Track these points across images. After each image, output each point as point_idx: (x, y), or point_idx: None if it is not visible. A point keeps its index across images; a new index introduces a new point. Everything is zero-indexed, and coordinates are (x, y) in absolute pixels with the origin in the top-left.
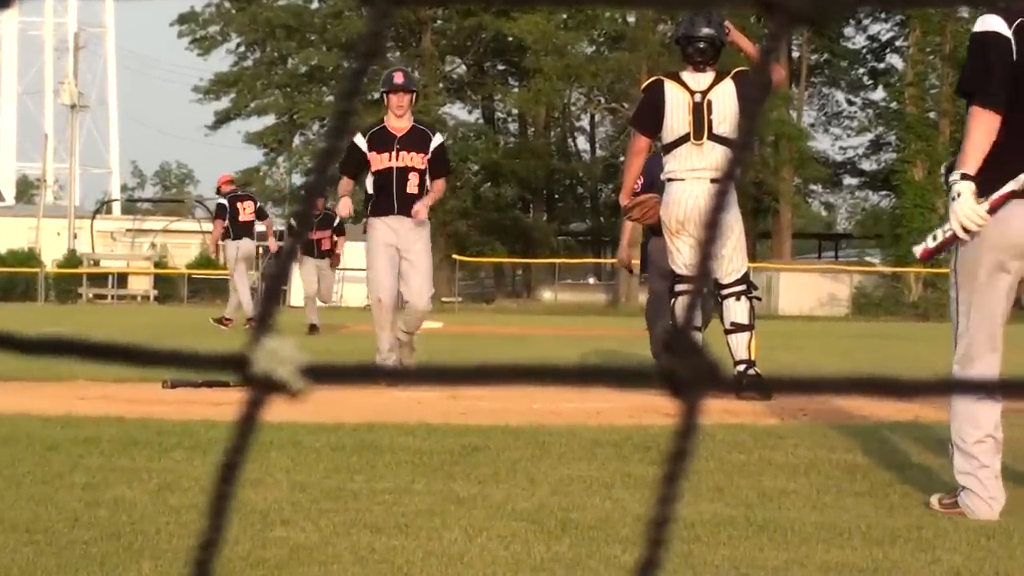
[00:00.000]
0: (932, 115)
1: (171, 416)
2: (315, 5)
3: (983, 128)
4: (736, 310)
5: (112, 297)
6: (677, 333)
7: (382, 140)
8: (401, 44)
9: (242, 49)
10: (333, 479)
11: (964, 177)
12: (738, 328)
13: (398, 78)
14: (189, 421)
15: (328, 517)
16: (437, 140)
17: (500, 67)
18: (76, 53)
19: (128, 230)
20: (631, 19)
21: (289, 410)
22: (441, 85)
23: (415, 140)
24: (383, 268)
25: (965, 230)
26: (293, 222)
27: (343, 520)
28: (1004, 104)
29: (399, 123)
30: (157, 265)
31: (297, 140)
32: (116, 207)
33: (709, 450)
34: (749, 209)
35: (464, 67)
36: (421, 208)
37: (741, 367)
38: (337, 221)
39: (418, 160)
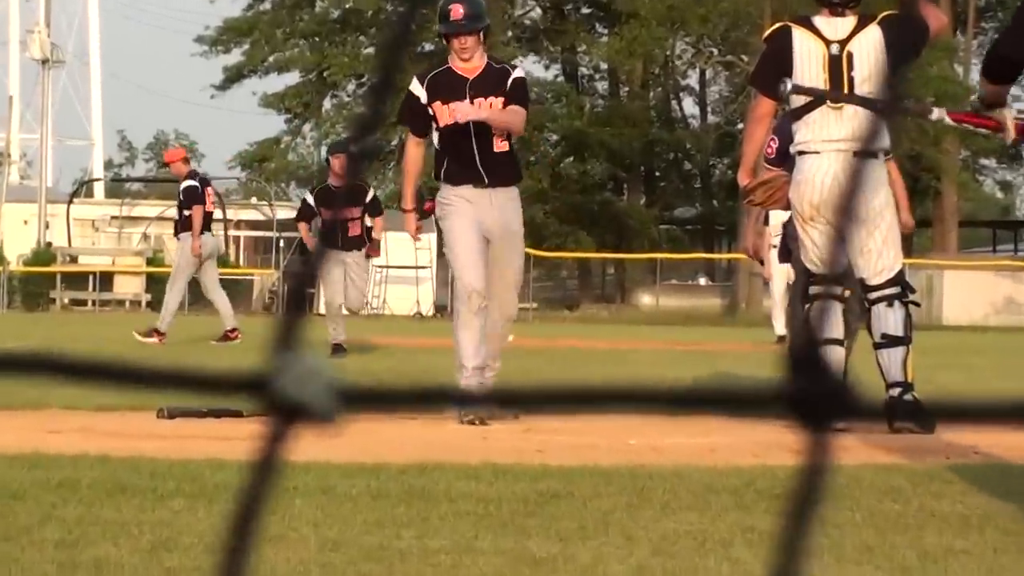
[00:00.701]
0: None
1: (168, 454)
2: None
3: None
4: (888, 319)
5: (94, 302)
6: (807, 346)
7: (449, 86)
8: None
9: None
10: (374, 535)
11: None
12: (891, 342)
13: (455, 13)
14: (191, 461)
15: None
16: (517, 73)
17: (585, 10)
18: None
19: (114, 218)
20: None
21: (319, 446)
22: (510, 33)
23: (491, 82)
24: (471, 249)
25: None
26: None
27: None
28: None
29: (468, 64)
30: (150, 262)
31: (328, 103)
32: (99, 189)
33: (854, 498)
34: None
35: (539, 10)
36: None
37: (895, 391)
38: (371, 196)
39: (497, 107)
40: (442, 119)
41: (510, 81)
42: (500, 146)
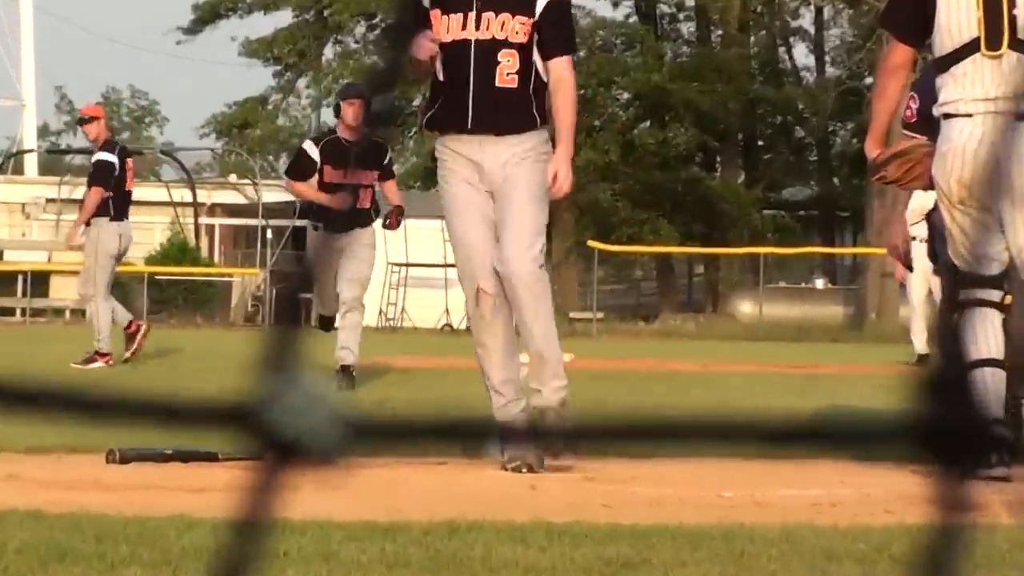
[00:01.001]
0: None
1: (120, 510)
2: None
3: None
4: None
5: (24, 311)
6: (954, 369)
7: None
8: None
9: None
10: None
11: None
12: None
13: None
14: (149, 519)
15: None
16: None
17: None
18: None
19: (50, 201)
20: None
21: (318, 499)
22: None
23: None
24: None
25: None
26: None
27: None
28: None
29: None
30: None
31: (329, 51)
32: (31, 163)
33: (1017, 565)
34: None
35: None
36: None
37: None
38: (388, 159)
39: (515, 29)
40: (441, 33)
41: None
42: (505, 82)
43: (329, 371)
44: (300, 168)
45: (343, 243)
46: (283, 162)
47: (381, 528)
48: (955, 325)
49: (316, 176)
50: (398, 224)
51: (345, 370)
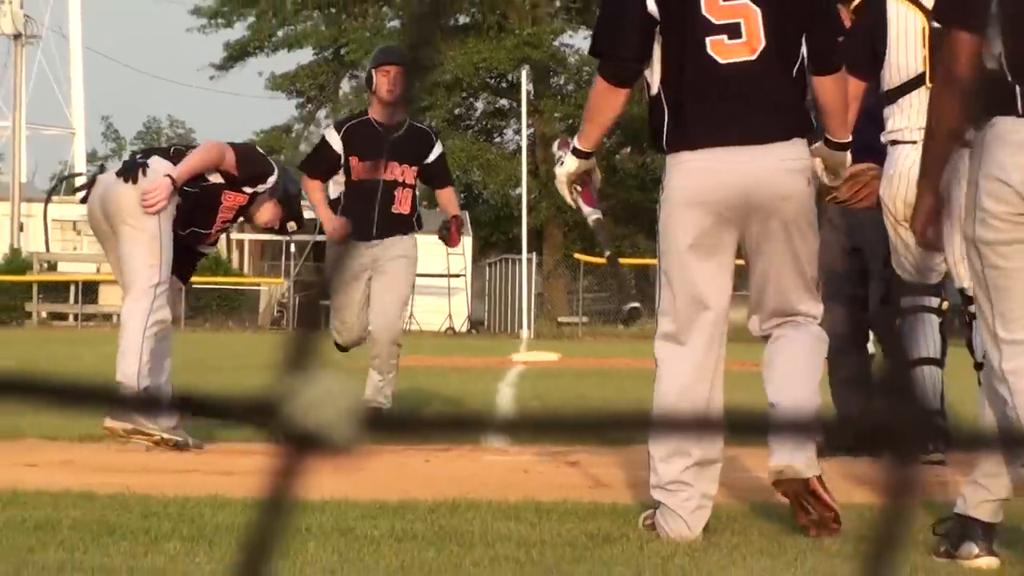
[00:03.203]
0: None
1: (163, 491)
2: None
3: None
4: None
5: (76, 317)
6: (897, 368)
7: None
8: None
9: None
10: None
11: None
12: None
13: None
14: (188, 498)
15: None
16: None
17: None
18: None
19: None
20: None
21: (336, 482)
22: (559, 3)
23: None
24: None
25: None
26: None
27: None
28: None
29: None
30: None
31: (346, 85)
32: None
33: (917, 541)
34: None
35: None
36: None
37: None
38: (438, 150)
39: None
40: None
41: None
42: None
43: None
44: (316, 161)
45: (374, 255)
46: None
47: (391, 506)
48: (898, 329)
49: (343, 173)
50: (459, 238)
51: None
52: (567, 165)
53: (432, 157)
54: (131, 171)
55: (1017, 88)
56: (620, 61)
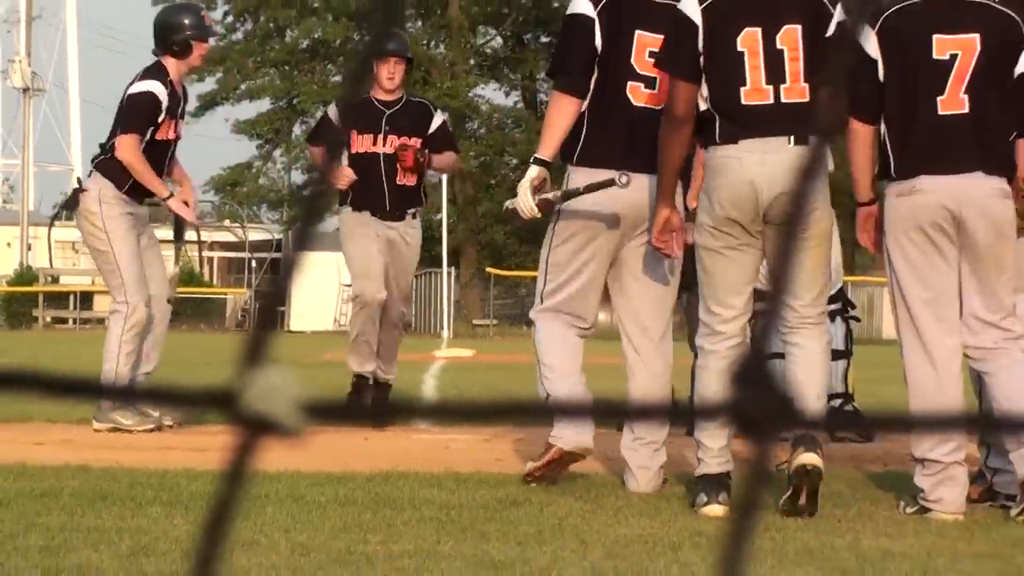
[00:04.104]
0: None
1: (146, 465)
2: None
3: (566, 111)
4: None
5: (74, 321)
6: (750, 361)
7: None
8: (424, 12)
9: (230, 19)
10: (342, 540)
11: (537, 162)
12: (832, 355)
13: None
14: (167, 471)
15: None
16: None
17: (543, 39)
18: (29, 25)
19: None
20: None
21: (288, 457)
22: (472, 62)
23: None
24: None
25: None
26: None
27: None
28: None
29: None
30: None
31: (297, 129)
32: None
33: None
34: (844, 205)
35: (500, 40)
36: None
37: (835, 402)
38: (439, 120)
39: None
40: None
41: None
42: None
43: (293, 366)
44: (318, 133)
45: (388, 238)
46: (264, 211)
47: (335, 476)
48: (756, 329)
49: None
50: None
51: (383, 387)
52: (530, 173)
53: (434, 127)
54: (69, 203)
55: (716, 120)
56: (572, 76)
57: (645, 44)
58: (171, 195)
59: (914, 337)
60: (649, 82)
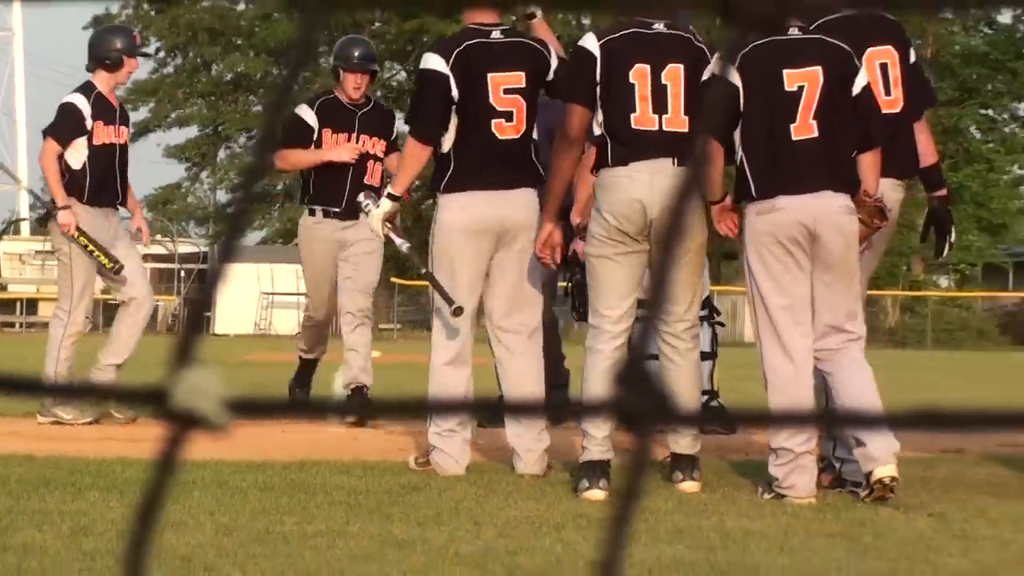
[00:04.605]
0: None
1: (85, 454)
2: (241, 7)
3: (419, 158)
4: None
5: (21, 325)
6: (631, 362)
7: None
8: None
9: (161, 55)
10: (261, 521)
11: (390, 197)
12: (700, 356)
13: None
14: (104, 459)
15: (256, 562)
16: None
17: None
18: None
19: (38, 252)
20: (586, 21)
21: (213, 447)
22: (380, 93)
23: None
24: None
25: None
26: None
27: (272, 566)
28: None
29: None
30: None
31: (222, 153)
32: (25, 227)
33: (668, 488)
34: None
35: (404, 74)
36: None
37: (703, 399)
38: (396, 133)
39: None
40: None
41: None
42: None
43: (230, 364)
44: (292, 135)
45: (342, 238)
46: (192, 227)
47: (255, 464)
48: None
49: (314, 146)
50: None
51: (361, 391)
52: (383, 207)
53: (396, 133)
54: (43, 219)
55: (609, 144)
56: (426, 126)
57: (499, 84)
58: (67, 207)
59: (774, 339)
60: (508, 116)
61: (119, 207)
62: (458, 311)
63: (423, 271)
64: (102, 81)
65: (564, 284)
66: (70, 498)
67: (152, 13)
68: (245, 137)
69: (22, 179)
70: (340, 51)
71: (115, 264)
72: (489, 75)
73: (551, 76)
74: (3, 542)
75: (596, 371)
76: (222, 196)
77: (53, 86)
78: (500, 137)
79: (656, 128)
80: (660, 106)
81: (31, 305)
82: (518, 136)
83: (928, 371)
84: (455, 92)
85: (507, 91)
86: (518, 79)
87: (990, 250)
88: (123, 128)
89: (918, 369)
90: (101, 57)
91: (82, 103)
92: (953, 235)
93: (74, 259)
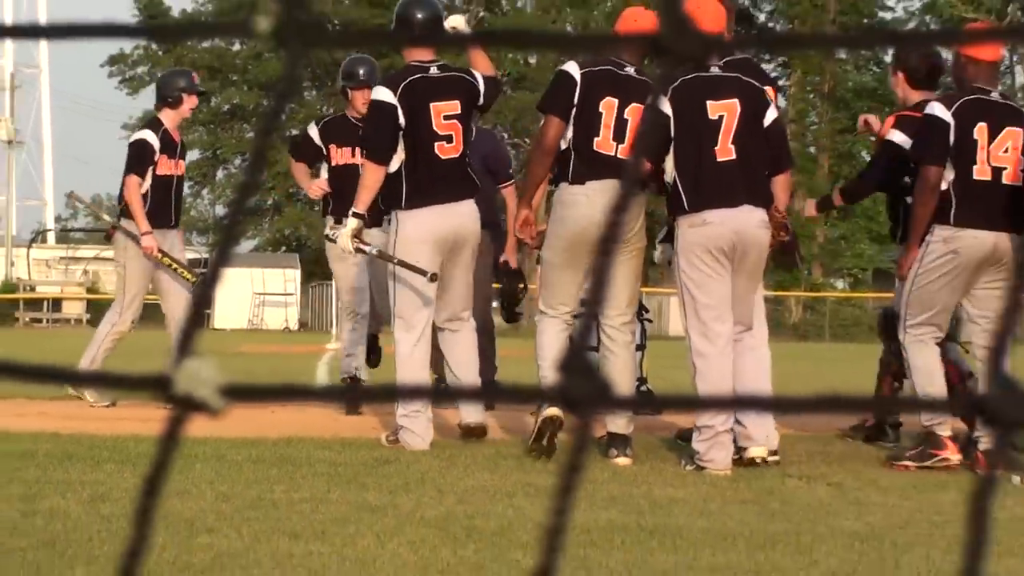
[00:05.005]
0: (812, 150)
1: (103, 431)
2: (236, 47)
3: (375, 177)
4: None
5: (47, 321)
6: (573, 352)
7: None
8: (317, 84)
9: None
10: (254, 489)
11: (355, 215)
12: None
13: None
14: (119, 436)
15: (249, 525)
16: None
17: None
18: (12, 93)
19: (62, 258)
20: (532, 61)
21: (213, 426)
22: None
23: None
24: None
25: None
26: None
27: (263, 527)
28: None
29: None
30: (89, 291)
31: (220, 174)
32: (51, 237)
33: (604, 461)
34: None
35: None
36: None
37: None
38: None
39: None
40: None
41: None
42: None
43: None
44: (298, 150)
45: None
46: (195, 236)
47: (250, 441)
48: (576, 326)
49: (325, 163)
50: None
51: (356, 381)
52: (349, 224)
53: None
54: (107, 236)
55: (572, 159)
56: (380, 151)
57: (440, 111)
58: (148, 233)
59: (701, 333)
60: (449, 139)
61: (174, 228)
62: (433, 277)
63: (396, 260)
64: (167, 117)
65: (497, 286)
66: (90, 469)
67: (160, 53)
68: (240, 159)
69: (48, 194)
70: (346, 70)
71: (195, 277)
72: (431, 104)
73: (481, 101)
74: (32, 507)
75: (551, 345)
76: (220, 210)
77: (76, 116)
78: (443, 157)
79: (612, 154)
80: (619, 136)
81: (56, 304)
82: (458, 155)
83: (826, 361)
84: (402, 120)
85: (446, 117)
86: (455, 107)
87: (879, 257)
88: (180, 161)
89: (817, 360)
90: (165, 96)
91: (151, 138)
92: (800, 257)
93: (128, 271)
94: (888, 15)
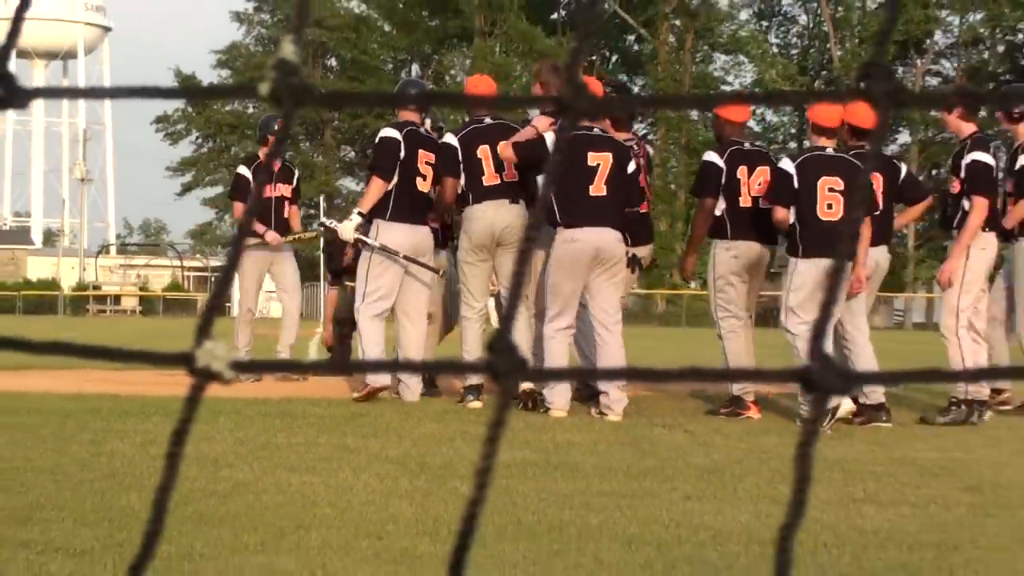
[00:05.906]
0: (672, 186)
1: (152, 393)
2: (251, 110)
3: (376, 189)
4: None
5: (109, 311)
6: (500, 335)
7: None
8: (309, 135)
9: (199, 140)
10: (263, 436)
11: (359, 214)
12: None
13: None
14: (163, 396)
15: (259, 462)
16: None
17: None
18: (84, 143)
19: (121, 265)
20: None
21: (230, 389)
22: (338, 165)
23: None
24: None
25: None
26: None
27: (269, 464)
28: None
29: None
30: (141, 289)
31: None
32: (112, 250)
33: (520, 415)
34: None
35: (354, 153)
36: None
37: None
38: (296, 180)
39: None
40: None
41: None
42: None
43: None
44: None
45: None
46: (218, 249)
47: (259, 400)
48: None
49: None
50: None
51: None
52: (353, 220)
53: (295, 183)
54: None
55: (470, 196)
56: (385, 171)
57: (423, 157)
58: (266, 230)
59: (566, 324)
60: (425, 178)
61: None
62: (442, 273)
63: (401, 255)
64: (263, 152)
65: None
66: (141, 421)
67: (194, 114)
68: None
69: (111, 218)
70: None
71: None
72: (419, 151)
73: (441, 158)
74: (98, 450)
75: (472, 337)
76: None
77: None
78: (420, 190)
79: (498, 182)
80: (499, 169)
81: (116, 299)
82: (427, 192)
83: (682, 343)
84: (402, 154)
85: (426, 163)
86: (432, 157)
87: None
88: (279, 185)
89: (677, 341)
90: (264, 135)
91: (245, 171)
92: (639, 269)
93: (241, 269)
94: (728, 88)
